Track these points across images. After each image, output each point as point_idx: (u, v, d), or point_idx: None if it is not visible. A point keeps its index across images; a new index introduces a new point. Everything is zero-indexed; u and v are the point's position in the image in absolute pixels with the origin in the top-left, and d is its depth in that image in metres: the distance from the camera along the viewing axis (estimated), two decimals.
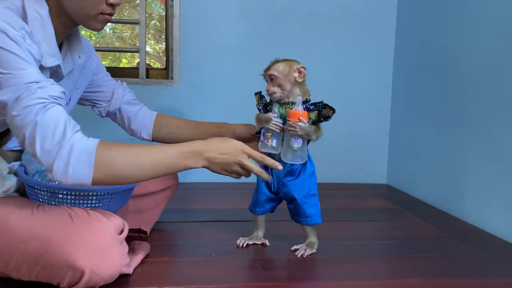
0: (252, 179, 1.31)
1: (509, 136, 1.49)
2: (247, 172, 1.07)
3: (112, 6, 1.04)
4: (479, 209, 1.63)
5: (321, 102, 1.18)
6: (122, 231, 0.98)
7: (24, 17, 0.97)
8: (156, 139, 1.41)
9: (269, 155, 1.15)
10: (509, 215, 1.47)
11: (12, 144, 1.10)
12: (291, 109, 1.16)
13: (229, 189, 1.82)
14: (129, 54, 4.86)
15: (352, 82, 2.32)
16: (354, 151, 2.34)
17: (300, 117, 1.14)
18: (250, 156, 1.05)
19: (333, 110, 1.16)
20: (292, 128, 1.14)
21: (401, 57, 2.29)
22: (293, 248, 1.25)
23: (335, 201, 1.91)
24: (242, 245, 1.27)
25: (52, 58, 1.02)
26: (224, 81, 2.23)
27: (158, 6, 5.33)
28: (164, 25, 2.32)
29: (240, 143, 1.05)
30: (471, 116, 1.70)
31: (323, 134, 1.19)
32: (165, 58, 2.34)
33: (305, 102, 1.18)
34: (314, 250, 1.24)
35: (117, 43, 5.23)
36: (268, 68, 1.20)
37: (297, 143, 1.16)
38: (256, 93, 1.25)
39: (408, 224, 1.63)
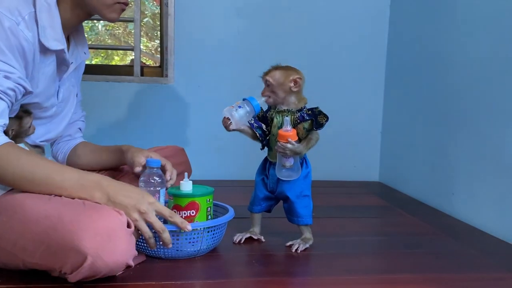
0: (251, 176, 1.33)
1: (499, 135, 1.52)
2: (145, 225, 1.00)
3: None
4: (469, 206, 1.66)
5: (317, 108, 1.19)
6: (130, 225, 0.96)
7: (34, 3, 1.04)
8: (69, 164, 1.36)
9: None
10: (498, 212, 1.50)
11: (36, 137, 1.16)
12: (280, 128, 1.17)
13: (226, 187, 1.84)
14: (121, 51, 4.85)
15: (345, 80, 2.34)
16: (347, 149, 2.36)
17: (289, 138, 1.14)
18: (157, 211, 1.01)
19: (327, 118, 1.17)
20: (282, 150, 1.16)
21: (394, 55, 2.32)
22: (288, 244, 1.27)
23: (328, 198, 1.94)
24: (239, 241, 1.29)
25: (57, 42, 1.07)
26: (219, 79, 2.25)
27: (151, 3, 5.31)
28: (157, 22, 2.33)
29: (148, 194, 1.02)
30: (462, 114, 1.73)
31: (319, 137, 1.21)
32: (157, 55, 2.35)
33: (300, 110, 1.20)
34: (308, 245, 1.26)
35: (109, 41, 5.21)
36: (267, 73, 1.21)
37: (288, 162, 1.18)
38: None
39: (400, 220, 1.66)
